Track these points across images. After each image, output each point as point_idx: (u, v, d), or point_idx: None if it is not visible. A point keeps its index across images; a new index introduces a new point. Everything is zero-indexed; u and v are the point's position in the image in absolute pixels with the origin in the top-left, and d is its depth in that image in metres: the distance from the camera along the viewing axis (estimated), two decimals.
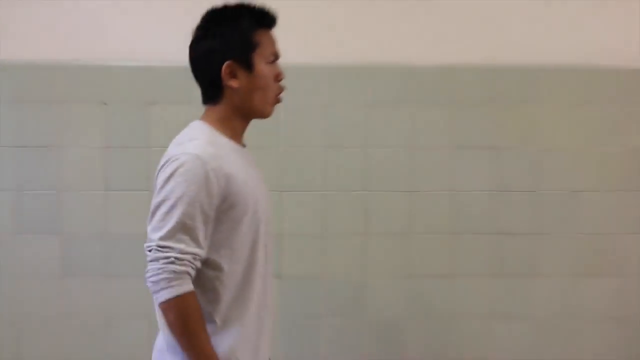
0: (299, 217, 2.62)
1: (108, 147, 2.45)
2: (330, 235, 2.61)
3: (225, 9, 1.72)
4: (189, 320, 1.59)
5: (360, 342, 2.64)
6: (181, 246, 1.56)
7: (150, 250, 1.57)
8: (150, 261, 1.56)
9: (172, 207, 1.57)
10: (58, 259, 2.51)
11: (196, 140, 1.63)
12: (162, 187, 1.58)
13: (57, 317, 2.54)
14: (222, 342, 1.64)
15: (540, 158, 2.61)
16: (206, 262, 1.62)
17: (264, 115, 1.75)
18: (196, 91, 1.64)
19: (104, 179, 2.45)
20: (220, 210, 1.63)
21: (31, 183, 2.51)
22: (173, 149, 1.62)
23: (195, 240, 1.58)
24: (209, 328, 1.63)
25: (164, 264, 1.55)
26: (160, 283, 1.54)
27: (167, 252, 1.55)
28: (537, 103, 2.62)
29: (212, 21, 1.73)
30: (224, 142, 1.70)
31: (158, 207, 1.59)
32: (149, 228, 1.60)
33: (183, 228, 1.57)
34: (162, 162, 1.61)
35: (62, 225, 2.51)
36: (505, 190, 2.61)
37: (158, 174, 1.61)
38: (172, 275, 1.55)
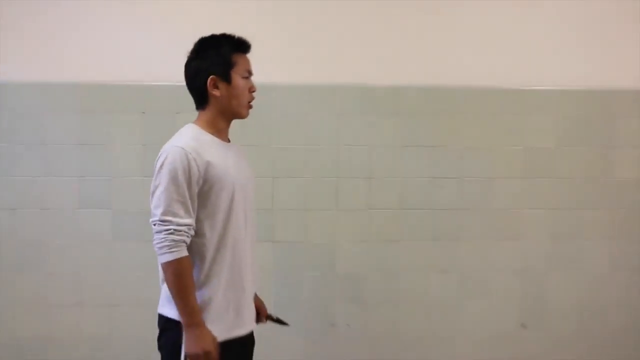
0: (287, 197, 3.09)
1: (145, 145, 2.96)
2: (310, 211, 3.10)
3: (211, 37, 2.02)
4: (182, 279, 1.83)
5: (332, 289, 3.13)
6: (177, 219, 1.81)
7: (154, 224, 1.82)
8: (156, 232, 1.82)
9: (167, 188, 1.82)
10: (109, 228, 3.01)
11: (183, 137, 1.90)
12: (157, 173, 1.85)
13: (109, 271, 3.02)
14: (203, 293, 1.90)
15: (463, 154, 3.17)
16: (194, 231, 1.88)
17: (241, 116, 2.04)
18: None
19: (142, 169, 2.95)
20: (202, 190, 1.87)
21: (89, 171, 3.01)
22: (166, 145, 1.89)
23: (188, 213, 1.83)
24: (195, 282, 1.88)
25: (166, 234, 1.80)
26: (163, 249, 1.80)
27: (167, 225, 1.81)
28: (461, 113, 3.17)
29: (201, 47, 2.02)
30: (208, 138, 1.95)
31: (155, 189, 1.85)
32: (152, 206, 1.85)
33: (176, 204, 1.82)
34: (158, 155, 1.87)
35: (112, 203, 3.00)
36: (438, 177, 3.16)
37: (156, 163, 1.86)
38: (172, 243, 1.80)
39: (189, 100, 2.06)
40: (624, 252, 3.28)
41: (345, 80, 3.12)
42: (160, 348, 1.94)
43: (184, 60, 2.04)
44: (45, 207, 3.02)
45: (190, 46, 2.03)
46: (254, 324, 2.10)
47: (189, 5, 3.05)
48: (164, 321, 1.92)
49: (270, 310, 2.30)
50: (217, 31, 2.04)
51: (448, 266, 3.20)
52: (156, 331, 1.97)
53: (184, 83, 2.04)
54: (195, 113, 2.04)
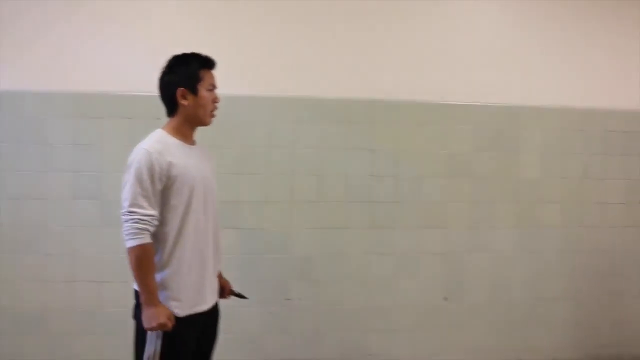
0: (251, 191, 3.40)
1: (131, 145, 3.02)
2: (270, 202, 3.43)
3: (182, 55, 2.17)
4: (143, 262, 1.97)
5: (287, 269, 3.48)
6: (142, 210, 1.96)
7: (123, 215, 1.98)
8: (124, 222, 1.97)
9: (133, 184, 1.98)
10: (99, 215, 3.28)
11: (149, 140, 2.06)
12: (127, 171, 2.01)
13: (98, 252, 3.28)
14: (165, 274, 2.05)
15: (398, 156, 3.58)
16: (158, 220, 2.03)
17: (204, 123, 2.20)
18: None
19: None
20: (165, 186, 2.02)
21: (82, 166, 3.27)
22: (135, 147, 2.05)
23: (152, 205, 1.99)
24: (159, 264, 2.03)
25: (132, 223, 1.96)
26: (129, 235, 1.96)
27: (133, 215, 1.97)
28: (396, 123, 3.57)
29: (173, 63, 2.17)
30: (173, 141, 2.10)
31: (125, 184, 2.01)
32: (122, 199, 2.00)
33: (141, 197, 1.97)
34: (130, 154, 2.03)
35: (102, 194, 3.27)
36: (377, 175, 3.54)
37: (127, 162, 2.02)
38: (136, 231, 1.96)
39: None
40: (527, 238, 3.81)
41: (300, 93, 3.46)
42: (134, 317, 2.12)
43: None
44: (45, 198, 3.28)
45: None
46: (216, 299, 2.28)
47: (167, 26, 3.36)
48: (136, 294, 2.09)
49: (234, 287, 2.54)
50: (190, 48, 2.24)
51: (385, 250, 3.61)
52: None
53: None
54: None
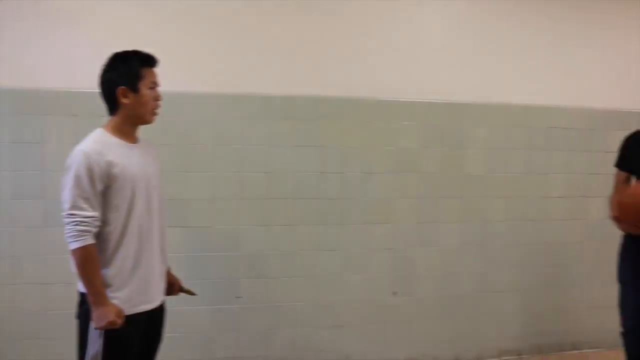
0: (198, 188, 3.38)
1: (75, 143, 3.05)
2: (218, 200, 3.42)
3: (123, 53, 2.16)
4: (87, 263, 1.97)
5: (237, 267, 3.48)
6: (82, 212, 1.97)
7: (64, 218, 1.98)
8: (65, 224, 1.97)
9: (72, 186, 1.97)
10: (41, 216, 3.21)
11: (87, 141, 2.05)
12: (66, 173, 2.01)
13: (41, 254, 3.22)
14: (108, 273, 2.06)
15: (346, 153, 3.62)
16: (101, 220, 2.03)
17: (146, 122, 2.19)
18: None
19: None
20: (106, 186, 2.01)
21: (24, 165, 3.19)
22: (75, 147, 2.04)
23: (92, 207, 1.99)
24: (102, 263, 2.03)
25: (73, 225, 1.96)
26: (71, 238, 1.96)
27: (73, 217, 1.97)
28: (344, 120, 3.61)
29: (113, 61, 2.15)
30: (112, 141, 2.09)
31: (64, 187, 2.00)
32: (62, 201, 2.00)
33: (81, 199, 1.97)
34: (69, 156, 2.01)
35: (45, 192, 3.18)
36: (325, 172, 3.58)
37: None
38: (78, 233, 1.96)
39: None
40: (473, 232, 3.91)
41: (248, 90, 3.47)
42: (76, 316, 2.13)
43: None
44: None
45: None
46: (162, 298, 2.29)
47: (112, 22, 3.32)
48: (79, 295, 2.11)
49: (184, 284, 2.57)
50: (136, 45, 2.22)
51: (334, 246, 3.65)
52: None
53: None
54: None
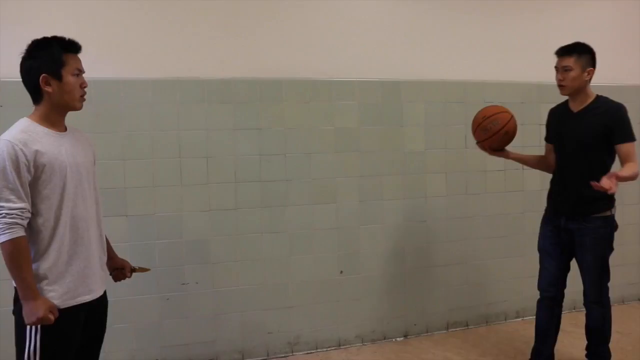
0: (137, 176, 3.37)
1: (1, 134, 3.18)
2: (158, 187, 3.41)
3: (43, 39, 2.10)
4: (16, 257, 1.94)
5: (181, 254, 3.48)
6: (9, 204, 1.93)
7: None
8: None
9: None
10: None
11: (12, 131, 2.01)
12: None
13: None
14: (42, 265, 2.03)
15: (287, 134, 3.65)
16: (32, 212, 2.00)
17: (74, 109, 2.15)
18: None
19: None
20: (34, 176, 1.98)
21: None
22: None
23: (20, 198, 1.95)
24: (37, 256, 2.01)
25: (0, 218, 1.92)
26: None
27: (0, 210, 1.93)
28: (282, 101, 3.64)
29: (33, 47, 2.10)
30: (39, 130, 2.05)
31: None
32: None
33: (6, 191, 1.93)
34: None
35: None
36: (265, 155, 3.61)
37: None
38: (5, 226, 1.92)
39: None
40: (413, 207, 3.99)
41: (183, 74, 3.46)
42: (13, 313, 2.09)
43: None
44: None
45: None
46: (103, 288, 2.26)
47: (38, 8, 3.23)
48: (15, 291, 2.06)
49: (133, 263, 2.54)
50: (63, 32, 2.16)
51: (278, 228, 3.69)
52: None
53: None
54: None
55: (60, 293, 2.06)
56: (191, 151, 3.50)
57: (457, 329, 4.12)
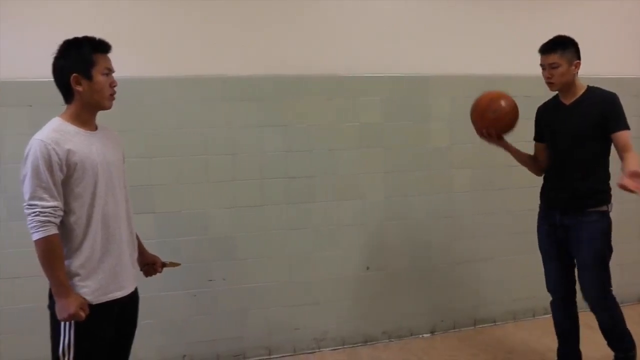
0: (163, 173, 3.39)
1: (32, 133, 3.09)
2: (184, 184, 3.43)
3: (74, 39, 2.14)
4: (49, 254, 1.97)
5: (207, 250, 3.49)
6: (42, 203, 1.96)
7: (25, 209, 2.00)
8: (27, 216, 1.99)
9: (31, 177, 1.98)
10: (3, 209, 3.18)
11: (45, 130, 2.05)
12: (24, 163, 2.01)
13: (6, 246, 3.19)
14: (75, 263, 2.06)
15: (310, 130, 3.63)
16: (64, 210, 2.03)
17: (104, 108, 2.18)
18: None
19: None
20: (67, 175, 2.01)
21: None
22: (32, 138, 2.03)
23: (53, 197, 1.98)
24: (70, 253, 2.04)
25: (33, 216, 1.97)
26: (33, 229, 1.97)
27: (33, 208, 1.97)
28: (306, 97, 3.62)
29: (64, 48, 2.13)
30: (70, 129, 2.08)
31: (23, 177, 2.00)
32: (23, 192, 2.01)
33: (40, 190, 1.97)
34: (26, 146, 2.01)
35: (5, 186, 3.15)
36: (291, 151, 3.60)
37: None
38: (39, 224, 1.96)
39: None
40: (438, 203, 3.96)
41: (207, 72, 3.45)
42: (49, 307, 2.12)
43: None
44: None
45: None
46: (134, 285, 2.29)
47: (66, 9, 3.27)
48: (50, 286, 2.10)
49: (164, 258, 2.58)
50: (92, 32, 2.19)
51: (304, 224, 3.68)
52: None
53: None
54: None
55: (93, 289, 2.09)
56: (216, 148, 3.50)
57: (485, 325, 4.07)
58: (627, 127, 2.83)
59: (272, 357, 3.69)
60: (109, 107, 2.20)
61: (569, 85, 2.93)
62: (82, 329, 2.05)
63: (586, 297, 2.96)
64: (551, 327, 3.24)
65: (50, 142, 2.00)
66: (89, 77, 2.10)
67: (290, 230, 3.66)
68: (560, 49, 2.86)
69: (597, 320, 2.99)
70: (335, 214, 3.73)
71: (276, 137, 3.59)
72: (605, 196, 2.92)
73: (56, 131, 2.05)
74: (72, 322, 2.03)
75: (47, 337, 2.14)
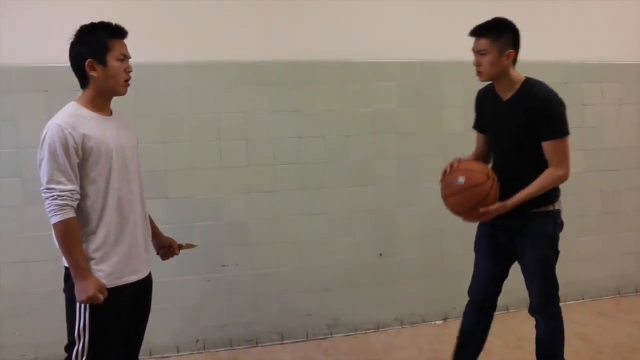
0: (177, 158, 3.41)
1: (48, 118, 3.15)
2: (198, 169, 3.44)
3: (89, 25, 2.15)
4: (68, 237, 2.00)
5: (220, 236, 3.52)
6: (60, 186, 1.98)
7: (43, 192, 2.01)
8: (45, 199, 2.00)
9: (48, 160, 1.99)
10: (21, 194, 3.22)
11: (61, 115, 2.06)
12: (41, 147, 2.02)
13: (24, 230, 3.24)
14: (91, 246, 2.09)
15: (324, 116, 3.64)
16: (81, 194, 2.06)
17: (119, 93, 2.18)
18: None
19: None
20: (82, 159, 2.03)
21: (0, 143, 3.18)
22: (49, 121, 2.05)
23: (70, 180, 2.00)
24: (85, 237, 2.06)
25: (51, 200, 1.98)
26: (51, 212, 1.99)
27: (51, 191, 1.99)
28: (319, 83, 3.63)
29: (80, 33, 2.14)
30: (86, 114, 2.10)
31: (40, 161, 2.01)
32: (40, 176, 2.02)
33: (58, 173, 1.98)
34: (43, 130, 2.02)
35: (23, 170, 3.20)
36: (304, 137, 3.61)
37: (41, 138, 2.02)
38: (57, 207, 1.98)
39: None
40: None
41: (221, 57, 3.46)
42: (64, 291, 2.15)
43: None
44: None
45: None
46: (148, 269, 2.31)
47: None
48: (65, 269, 2.13)
49: (180, 241, 2.57)
50: (106, 17, 2.18)
51: (316, 210, 3.69)
52: None
53: None
54: None
55: (107, 272, 2.11)
56: (230, 134, 3.51)
57: (498, 312, 3.99)
58: (556, 136, 2.47)
59: (284, 342, 3.71)
60: (123, 93, 2.21)
61: (500, 77, 2.54)
62: (97, 311, 2.07)
63: (530, 304, 2.73)
64: (565, 313, 3.21)
65: (67, 127, 2.01)
66: (103, 62, 2.11)
67: (303, 215, 3.66)
68: (493, 35, 2.45)
69: (535, 328, 2.73)
70: (348, 200, 3.73)
71: (290, 122, 3.60)
72: (549, 194, 2.56)
73: (72, 116, 2.07)
74: (88, 305, 2.05)
75: (62, 320, 2.17)
